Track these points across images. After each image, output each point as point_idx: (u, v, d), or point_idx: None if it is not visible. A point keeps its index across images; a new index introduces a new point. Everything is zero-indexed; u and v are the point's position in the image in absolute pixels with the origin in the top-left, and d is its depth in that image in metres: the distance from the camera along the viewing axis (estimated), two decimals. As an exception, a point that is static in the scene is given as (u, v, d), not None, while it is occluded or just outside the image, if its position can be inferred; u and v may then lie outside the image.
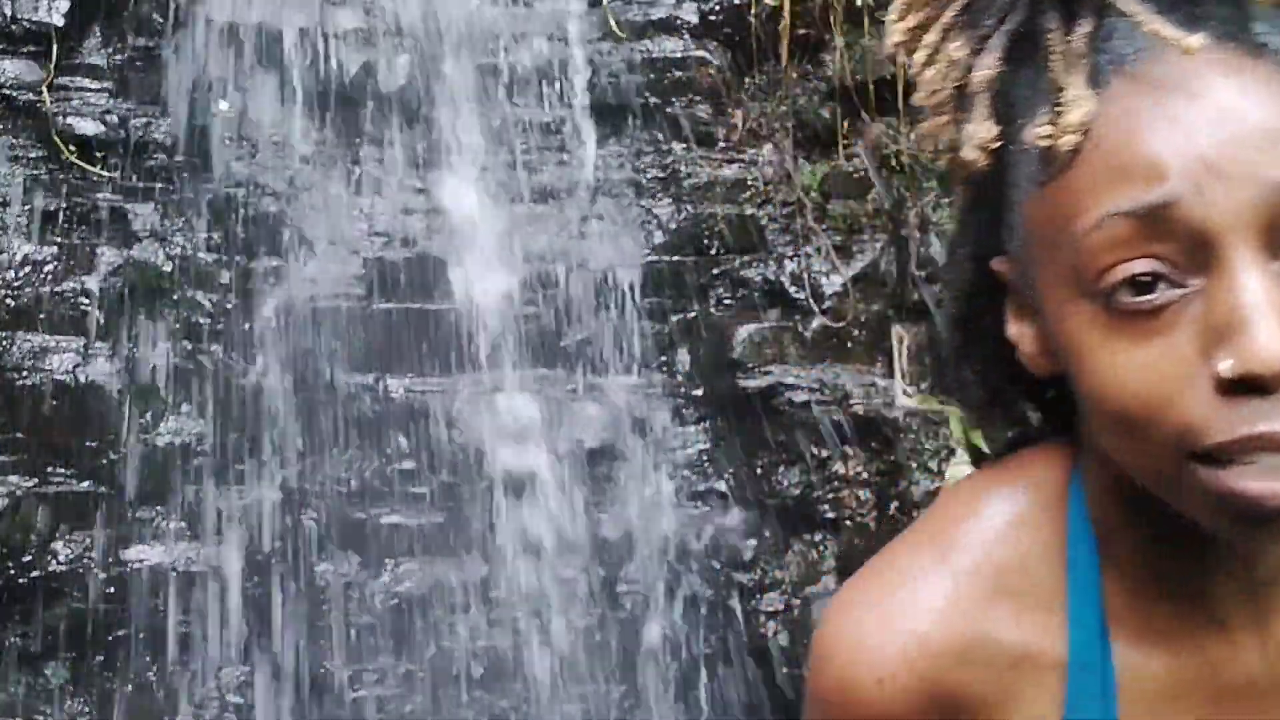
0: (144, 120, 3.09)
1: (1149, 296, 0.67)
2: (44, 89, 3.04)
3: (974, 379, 0.83)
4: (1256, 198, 0.66)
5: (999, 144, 0.74)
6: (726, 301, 3.23)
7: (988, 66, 0.74)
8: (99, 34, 3.12)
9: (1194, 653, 0.78)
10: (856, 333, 3.20)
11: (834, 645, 0.80)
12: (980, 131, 0.74)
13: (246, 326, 3.03)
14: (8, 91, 3.03)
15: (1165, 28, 0.68)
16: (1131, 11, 0.70)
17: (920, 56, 0.79)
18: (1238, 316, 0.65)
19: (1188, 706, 0.78)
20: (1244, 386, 0.65)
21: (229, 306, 3.04)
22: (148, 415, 2.98)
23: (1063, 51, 0.71)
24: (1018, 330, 0.78)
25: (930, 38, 0.78)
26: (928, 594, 0.78)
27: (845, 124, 3.24)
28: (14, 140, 3.04)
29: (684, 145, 3.28)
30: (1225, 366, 0.65)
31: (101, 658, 2.93)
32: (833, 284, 3.22)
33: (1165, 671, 0.78)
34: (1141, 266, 0.67)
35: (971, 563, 0.79)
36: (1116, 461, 0.74)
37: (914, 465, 3.07)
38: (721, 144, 3.30)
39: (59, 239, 3.03)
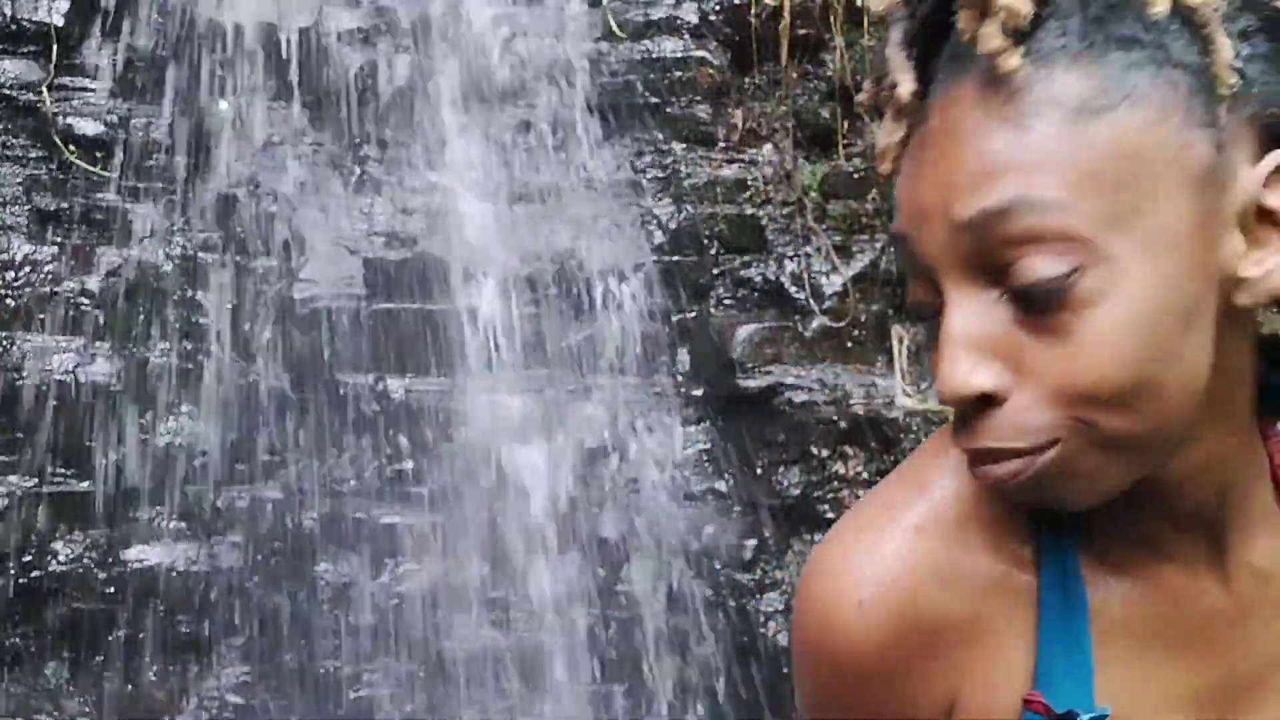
0: (144, 120, 3.09)
1: (926, 320, 0.76)
2: (44, 89, 3.04)
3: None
4: (948, 239, 0.71)
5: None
6: (726, 301, 3.23)
7: (905, 91, 0.77)
8: (99, 34, 3.12)
9: (1156, 585, 0.81)
10: (856, 333, 3.20)
11: (816, 576, 0.82)
12: (884, 136, 0.78)
13: (246, 326, 3.03)
14: (8, 91, 3.03)
15: (897, 67, 0.75)
16: (888, 55, 0.76)
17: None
18: (941, 347, 0.72)
19: (1154, 635, 0.80)
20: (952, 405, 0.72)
21: (229, 306, 3.04)
22: (148, 415, 2.98)
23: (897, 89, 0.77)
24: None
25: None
26: (907, 521, 0.80)
27: (845, 124, 3.24)
28: (14, 140, 3.04)
29: (684, 145, 3.28)
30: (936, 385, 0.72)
31: (101, 658, 2.93)
32: (833, 284, 3.22)
33: (1131, 602, 0.81)
34: (918, 293, 0.75)
35: (950, 493, 0.81)
36: None
37: (914, 465, 3.06)
38: (721, 144, 3.30)
39: (59, 239, 3.03)
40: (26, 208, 3.02)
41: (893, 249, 0.69)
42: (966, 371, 0.70)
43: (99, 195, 3.06)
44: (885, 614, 0.79)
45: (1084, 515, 0.79)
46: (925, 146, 0.72)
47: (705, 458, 3.19)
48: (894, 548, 0.79)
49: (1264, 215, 0.72)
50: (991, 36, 0.70)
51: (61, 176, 3.05)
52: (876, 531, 0.81)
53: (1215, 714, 0.81)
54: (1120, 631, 0.80)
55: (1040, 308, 0.69)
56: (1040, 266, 0.68)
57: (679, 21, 3.30)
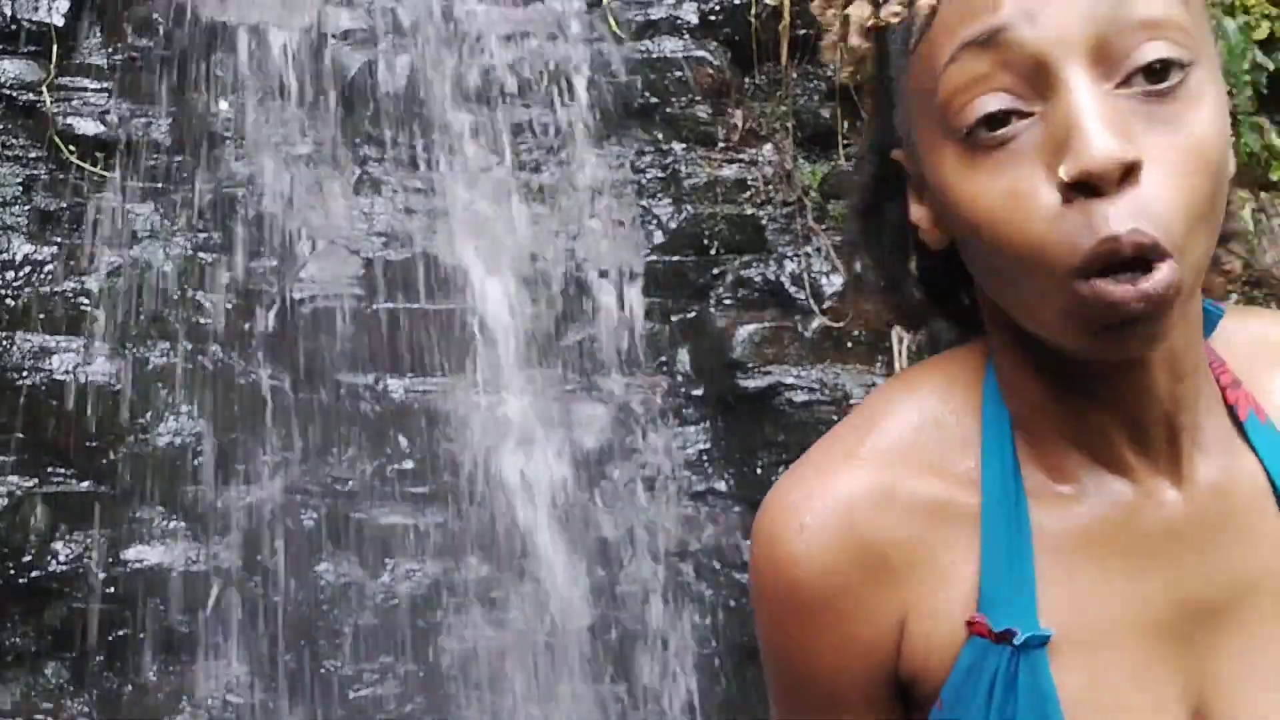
0: (144, 120, 3.09)
1: (1002, 131, 0.72)
2: (44, 89, 3.04)
3: (873, 266, 0.88)
4: (1080, 17, 0.70)
5: (881, 27, 0.80)
6: (726, 301, 3.23)
7: None
8: (99, 34, 3.12)
9: (1107, 502, 0.80)
10: (856, 333, 3.20)
11: (764, 512, 0.84)
12: (857, 13, 0.80)
13: (246, 326, 3.03)
14: (8, 91, 3.03)
15: None
16: None
17: None
18: (1073, 126, 0.69)
19: (1101, 554, 0.80)
20: (1083, 190, 0.69)
21: (229, 306, 3.04)
22: (148, 415, 2.98)
23: None
24: (917, 212, 0.83)
25: None
26: (848, 455, 0.83)
27: (845, 124, 3.24)
28: (14, 140, 3.04)
29: (684, 145, 3.28)
30: (1064, 170, 0.69)
31: (101, 658, 2.93)
32: (833, 284, 3.22)
33: (1078, 522, 0.80)
34: (993, 104, 0.72)
35: (894, 422, 0.84)
36: (1003, 309, 0.78)
37: (914, 465, 3.06)
38: (721, 144, 3.30)
39: (59, 239, 3.03)
40: (26, 208, 3.02)
41: (956, 59, 0.67)
42: (1121, 140, 0.69)
43: (99, 195, 3.06)
44: (825, 537, 0.80)
45: (1031, 426, 0.81)
46: None
47: (705, 458, 3.19)
48: (833, 475, 0.82)
49: None
50: None
51: (61, 176, 3.05)
52: (818, 464, 0.84)
53: (1173, 639, 0.80)
54: (1067, 548, 0.80)
55: (1156, 96, 0.70)
56: (1166, 49, 0.70)
57: (679, 21, 3.30)
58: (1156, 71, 0.71)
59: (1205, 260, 0.74)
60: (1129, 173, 0.69)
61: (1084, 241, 0.70)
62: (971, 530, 0.80)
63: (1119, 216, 0.69)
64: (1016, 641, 0.77)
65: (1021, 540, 0.79)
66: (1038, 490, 0.81)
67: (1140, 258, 0.69)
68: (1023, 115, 0.72)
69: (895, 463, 0.81)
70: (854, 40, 0.82)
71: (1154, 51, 0.71)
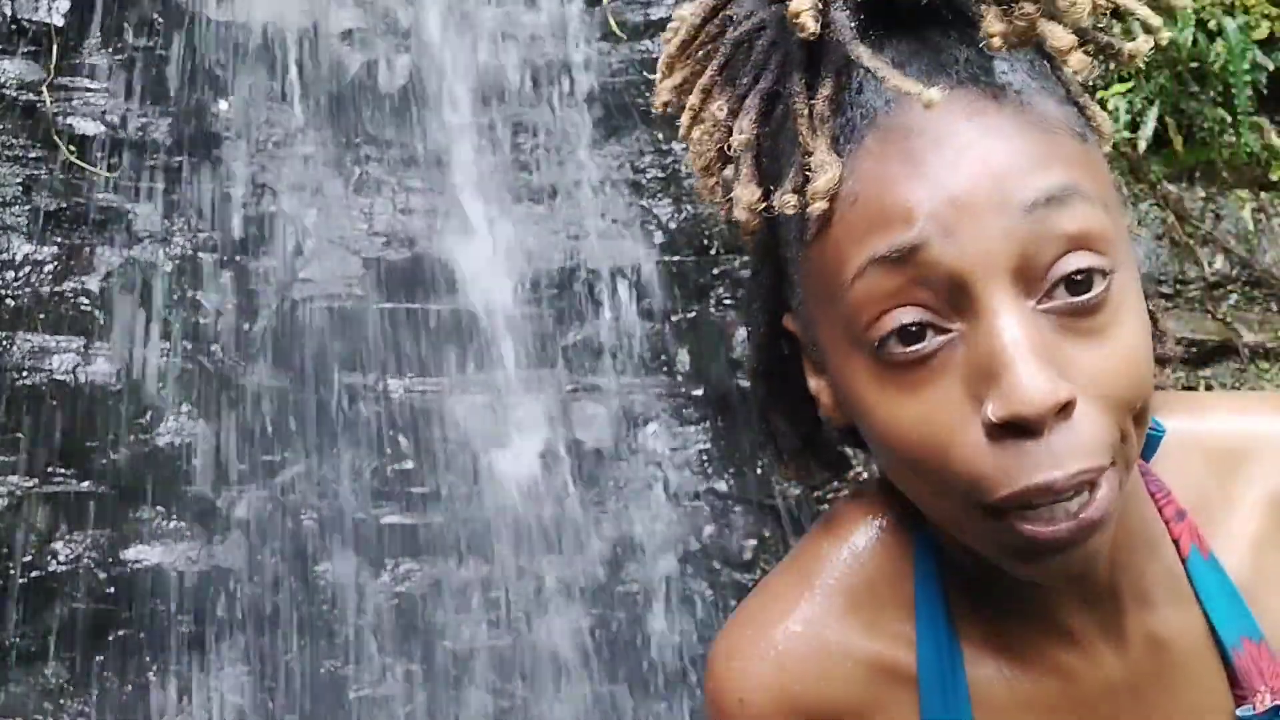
0: (144, 120, 3.09)
1: (916, 346, 0.67)
2: (44, 89, 3.04)
3: (785, 428, 0.84)
4: (1002, 233, 0.66)
5: (766, 205, 0.74)
6: (726, 301, 3.23)
7: (744, 129, 0.73)
8: (99, 34, 3.12)
9: (1044, 664, 0.79)
10: (856, 333, 3.20)
11: (710, 664, 0.84)
12: (745, 194, 0.74)
13: (246, 326, 3.03)
14: (8, 91, 3.03)
15: (905, 82, 0.67)
16: (874, 68, 0.68)
17: (685, 118, 0.79)
18: (999, 360, 0.65)
19: (1041, 716, 0.78)
20: (1013, 429, 0.65)
21: (229, 306, 3.04)
22: (148, 415, 2.98)
23: (807, 114, 0.70)
24: (815, 384, 0.79)
25: (692, 99, 0.77)
26: (788, 613, 0.81)
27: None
28: (14, 140, 3.04)
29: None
30: (992, 411, 0.65)
31: (101, 658, 2.93)
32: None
33: (1017, 682, 0.79)
34: (907, 316, 0.67)
35: (829, 582, 0.81)
36: (921, 508, 0.75)
37: (914, 465, 3.06)
38: (721, 144, 3.29)
39: (59, 239, 3.03)
40: (26, 208, 3.02)
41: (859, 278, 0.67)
42: (1052, 378, 0.65)
43: (99, 195, 3.06)
44: (762, 710, 0.80)
45: (965, 594, 0.79)
46: (940, 147, 0.68)
47: (705, 458, 3.19)
48: (771, 647, 0.80)
49: None
50: (1061, 37, 0.72)
51: (61, 176, 3.05)
52: (758, 627, 0.82)
53: None
54: (1003, 709, 0.78)
55: (1082, 310, 0.67)
56: (1089, 259, 0.67)
57: (679, 21, 3.29)
58: (1078, 282, 0.67)
59: (1135, 456, 0.70)
60: (1066, 411, 0.66)
61: (1016, 483, 0.66)
62: (911, 692, 0.79)
63: (1055, 458, 0.66)
64: None
65: (959, 704, 0.78)
66: (974, 655, 0.79)
67: (1080, 489, 0.67)
68: (940, 330, 0.68)
69: (832, 624, 0.80)
70: (738, 215, 0.77)
71: (1076, 262, 0.67)
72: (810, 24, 0.68)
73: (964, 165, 0.67)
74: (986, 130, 0.69)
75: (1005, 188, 0.67)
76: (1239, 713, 0.77)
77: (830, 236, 0.71)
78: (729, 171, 0.78)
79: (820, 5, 0.69)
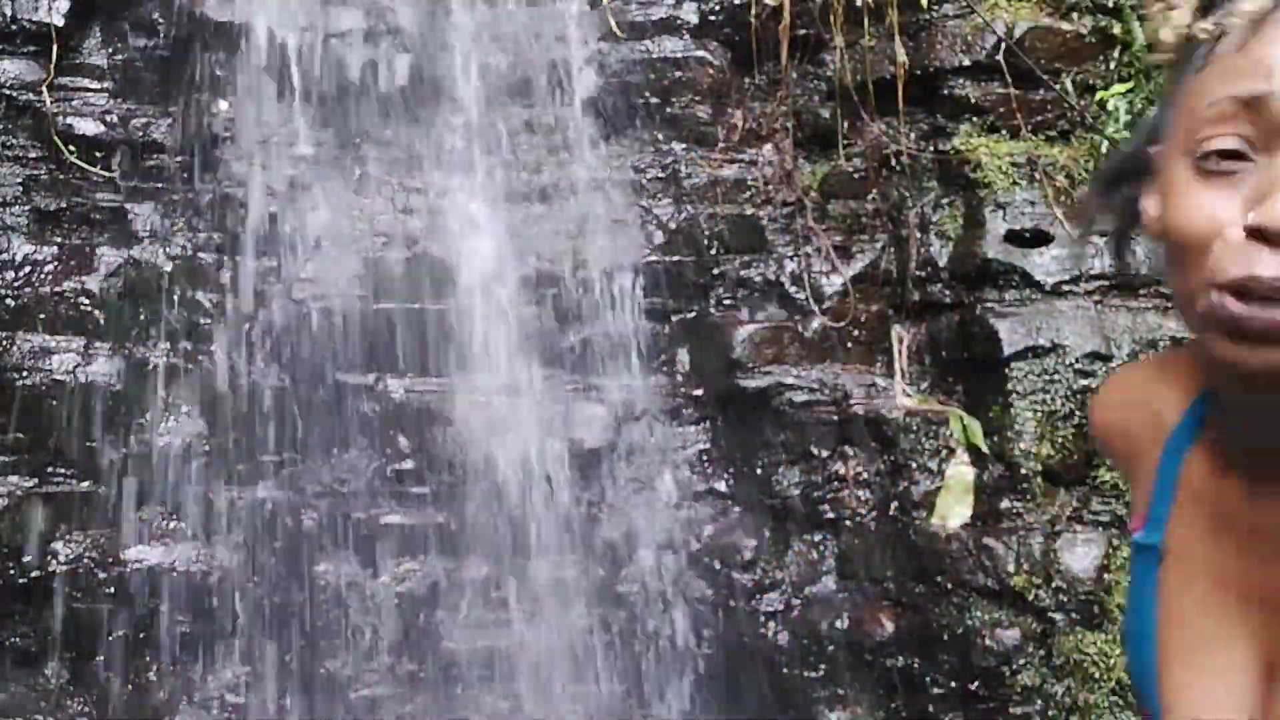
0: (144, 120, 3.09)
1: (1226, 164, 0.92)
2: (44, 89, 3.04)
3: (1106, 228, 1.14)
4: None
5: (1189, 35, 0.98)
6: (726, 301, 3.23)
7: None
8: (99, 34, 3.12)
9: (1231, 478, 1.03)
10: (856, 333, 3.20)
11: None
12: (1178, 16, 0.97)
13: (246, 326, 3.03)
14: (8, 91, 3.03)
15: None
16: None
17: None
18: (1274, 187, 0.88)
19: (1215, 528, 1.04)
20: (1260, 236, 0.88)
21: (229, 306, 3.04)
22: (148, 415, 2.98)
23: None
24: (1149, 200, 1.02)
25: None
26: (1120, 377, 1.31)
27: (845, 124, 3.24)
28: (14, 140, 3.04)
29: (684, 145, 3.28)
30: (1253, 216, 0.88)
31: (101, 658, 2.93)
32: (833, 284, 3.22)
33: (1217, 491, 1.04)
34: (1231, 142, 0.91)
35: (1150, 373, 1.20)
36: (1175, 304, 1.00)
37: (914, 465, 3.07)
38: (721, 144, 3.30)
39: (59, 239, 3.03)
40: (26, 208, 3.02)
41: (1208, 104, 0.96)
42: None
43: (99, 195, 3.06)
44: (1101, 414, 1.23)
45: (1215, 429, 1.05)
46: None
47: (705, 458, 3.19)
48: (1106, 391, 1.27)
49: None
50: None
51: (61, 176, 3.05)
52: (1108, 382, 1.33)
53: (1255, 608, 1.00)
54: (1199, 507, 1.05)
55: None
56: None
57: (679, 21, 3.30)
58: None
59: None
60: None
61: (1237, 269, 0.89)
62: (1160, 449, 1.10)
63: (1268, 264, 0.88)
64: (1140, 541, 1.08)
65: (1169, 488, 1.07)
66: (1198, 461, 1.06)
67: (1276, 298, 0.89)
68: (1245, 159, 0.92)
69: (1138, 393, 1.18)
70: (1164, 35, 1.00)
71: None
72: None
73: None
74: None
75: None
76: None
77: (1211, 70, 0.94)
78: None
79: None
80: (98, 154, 3.06)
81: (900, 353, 3.19)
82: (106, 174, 3.05)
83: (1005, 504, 2.96)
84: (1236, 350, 0.91)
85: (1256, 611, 1.00)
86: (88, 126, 3.06)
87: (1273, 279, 0.88)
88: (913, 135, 3.22)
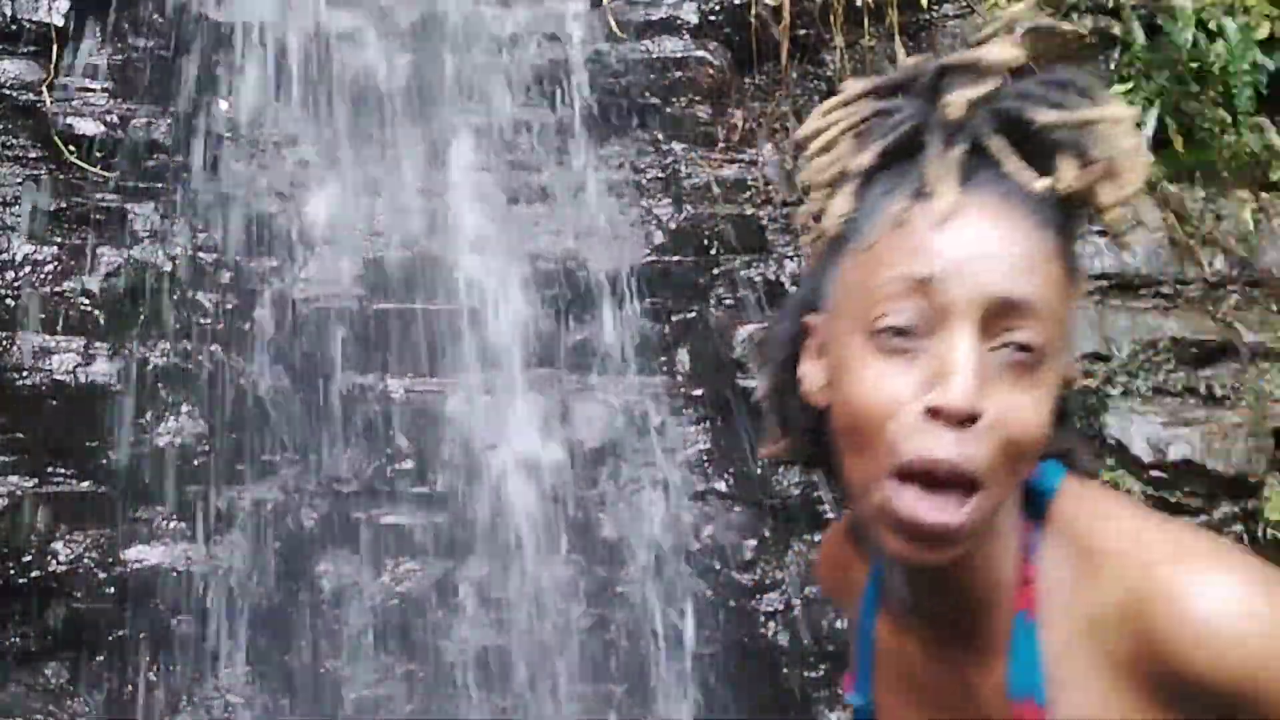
0: (144, 120, 3.09)
1: (899, 341, 0.95)
2: (44, 89, 3.04)
3: (793, 409, 1.10)
4: (982, 299, 0.94)
5: (849, 218, 1.02)
6: (726, 301, 3.23)
7: (864, 161, 1.02)
8: (99, 34, 3.12)
9: (904, 641, 1.09)
10: (856, 333, 3.19)
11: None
12: (840, 205, 1.02)
13: (246, 326, 3.03)
14: (8, 91, 3.03)
15: (943, 191, 0.96)
16: (932, 178, 0.97)
17: (817, 143, 1.07)
18: (949, 367, 0.92)
19: (897, 670, 1.10)
20: (937, 416, 0.91)
21: (229, 306, 3.04)
22: (148, 415, 2.98)
23: (939, 161, 0.98)
24: (810, 369, 1.06)
25: (832, 132, 1.06)
26: (829, 538, 1.30)
27: (845, 124, 3.23)
28: (14, 140, 3.04)
29: (684, 145, 3.28)
30: (930, 397, 0.91)
31: (101, 658, 2.93)
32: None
33: (892, 641, 1.10)
34: (903, 319, 0.94)
35: (845, 532, 1.24)
36: (848, 488, 1.01)
37: (914, 465, 3.06)
38: (721, 144, 3.30)
39: (59, 239, 3.03)
40: (27, 208, 3.02)
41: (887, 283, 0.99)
42: (978, 392, 0.91)
43: (99, 195, 3.06)
44: (819, 574, 1.29)
45: (887, 586, 1.09)
46: (963, 223, 0.96)
47: (705, 458, 3.19)
48: (824, 543, 1.31)
49: None
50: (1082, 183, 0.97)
51: (61, 176, 3.05)
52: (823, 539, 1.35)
53: None
54: (885, 657, 1.10)
55: (1014, 365, 0.94)
56: (1034, 337, 0.94)
57: (679, 21, 3.30)
58: (1023, 348, 0.94)
59: (1005, 495, 0.95)
60: (972, 420, 0.91)
61: (913, 449, 0.92)
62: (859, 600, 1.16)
63: (947, 447, 0.91)
64: (850, 701, 1.14)
65: (868, 649, 1.13)
66: (881, 631, 1.12)
67: (954, 483, 0.92)
68: (918, 336, 0.95)
69: (842, 559, 1.24)
70: (827, 223, 1.04)
71: (1024, 335, 0.94)
72: (956, 112, 0.98)
73: (980, 247, 0.95)
74: (1004, 233, 0.96)
75: (996, 275, 0.94)
76: None
77: (877, 250, 0.99)
78: (829, 192, 1.05)
79: (967, 109, 0.98)
80: (98, 154, 3.06)
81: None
82: (106, 174, 3.05)
83: (1005, 504, 2.96)
84: (909, 548, 0.94)
85: None
86: (88, 126, 3.06)
87: (950, 461, 0.91)
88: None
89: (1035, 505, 1.02)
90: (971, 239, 0.95)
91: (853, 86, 1.07)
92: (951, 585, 1.01)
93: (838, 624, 3.06)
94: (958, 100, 0.98)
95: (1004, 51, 1.00)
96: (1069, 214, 0.99)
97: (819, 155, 1.06)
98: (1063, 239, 0.98)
